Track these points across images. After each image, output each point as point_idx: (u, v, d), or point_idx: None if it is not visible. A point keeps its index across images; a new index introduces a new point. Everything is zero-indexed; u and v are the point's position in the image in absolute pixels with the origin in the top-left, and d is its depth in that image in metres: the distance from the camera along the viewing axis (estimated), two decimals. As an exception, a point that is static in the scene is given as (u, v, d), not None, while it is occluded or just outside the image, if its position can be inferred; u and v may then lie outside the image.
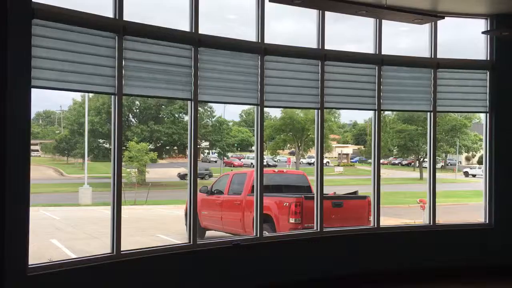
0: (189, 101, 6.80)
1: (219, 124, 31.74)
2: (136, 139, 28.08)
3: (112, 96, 6.16)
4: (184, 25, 6.77)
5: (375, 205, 8.23)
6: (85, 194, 23.48)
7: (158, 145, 31.27)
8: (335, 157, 41.75)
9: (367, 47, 8.25)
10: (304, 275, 7.52)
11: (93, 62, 5.89)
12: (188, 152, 6.92)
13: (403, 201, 23.78)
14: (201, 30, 6.79)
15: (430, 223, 8.53)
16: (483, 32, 8.54)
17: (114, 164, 6.17)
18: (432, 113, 8.52)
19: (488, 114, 8.72)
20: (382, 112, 8.31)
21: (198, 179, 6.89)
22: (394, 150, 39.97)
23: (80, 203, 23.01)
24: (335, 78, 7.92)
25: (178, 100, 29.17)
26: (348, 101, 8.17)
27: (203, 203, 12.29)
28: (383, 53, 8.17)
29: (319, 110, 7.85)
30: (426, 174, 9.26)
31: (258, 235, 7.36)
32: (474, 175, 38.17)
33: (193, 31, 6.76)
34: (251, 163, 26.50)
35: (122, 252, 6.14)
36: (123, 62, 6.12)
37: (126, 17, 6.15)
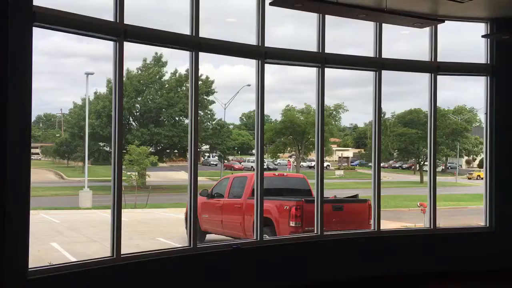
0: (189, 52, 6.82)
1: (220, 127, 31.66)
2: (136, 142, 28.07)
3: (113, 42, 6.15)
4: (184, 29, 6.81)
5: (375, 209, 8.23)
6: (85, 198, 23.42)
7: (158, 148, 31.23)
8: (335, 161, 41.68)
9: (367, 51, 8.27)
10: (305, 279, 7.51)
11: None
12: (188, 151, 6.93)
13: (403, 204, 23.73)
14: (202, 34, 6.81)
15: (430, 227, 8.53)
16: (483, 36, 8.56)
17: (114, 167, 6.18)
18: (432, 75, 8.50)
19: (488, 114, 8.79)
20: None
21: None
22: (395, 154, 39.90)
23: (80, 207, 22.96)
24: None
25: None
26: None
27: (203, 207, 12.25)
28: (383, 56, 8.20)
29: (320, 68, 7.86)
30: (426, 178, 9.24)
31: (259, 239, 7.35)
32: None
33: (194, 34, 6.78)
34: (251, 167, 26.50)
35: (122, 256, 6.15)
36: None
37: (126, 21, 6.17)
